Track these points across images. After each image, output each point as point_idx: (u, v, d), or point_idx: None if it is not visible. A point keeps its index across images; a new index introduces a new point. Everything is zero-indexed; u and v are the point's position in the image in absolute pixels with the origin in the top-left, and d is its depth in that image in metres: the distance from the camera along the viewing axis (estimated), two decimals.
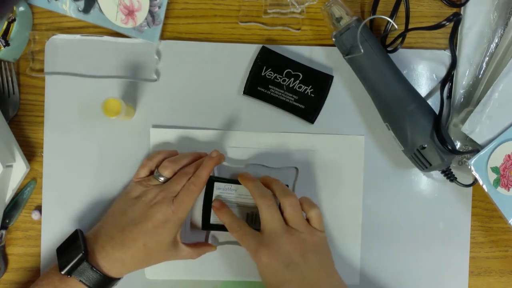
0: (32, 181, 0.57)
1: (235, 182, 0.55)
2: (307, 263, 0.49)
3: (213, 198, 0.55)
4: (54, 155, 0.57)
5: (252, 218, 0.55)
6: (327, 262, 0.51)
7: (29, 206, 0.57)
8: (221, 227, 0.54)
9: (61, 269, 0.49)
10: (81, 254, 0.49)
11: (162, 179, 0.53)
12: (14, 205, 0.57)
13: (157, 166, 0.54)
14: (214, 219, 0.55)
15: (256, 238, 0.50)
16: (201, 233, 0.57)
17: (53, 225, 0.57)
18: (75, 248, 0.50)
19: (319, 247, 0.51)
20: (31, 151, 0.57)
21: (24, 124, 0.57)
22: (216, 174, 0.57)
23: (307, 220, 0.52)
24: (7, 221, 0.57)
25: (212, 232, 0.57)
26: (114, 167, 0.57)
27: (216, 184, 0.55)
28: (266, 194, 0.52)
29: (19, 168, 0.56)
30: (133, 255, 0.50)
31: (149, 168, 0.55)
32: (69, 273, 0.48)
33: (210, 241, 0.57)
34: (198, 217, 0.56)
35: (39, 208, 0.57)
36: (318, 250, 0.50)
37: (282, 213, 0.51)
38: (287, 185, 0.57)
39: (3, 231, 0.56)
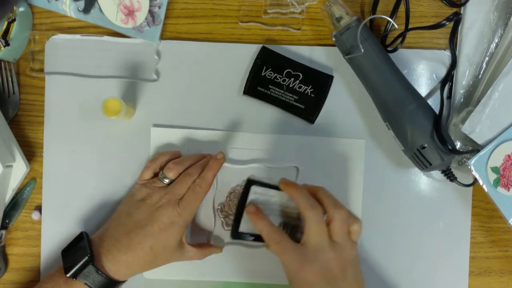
0: (32, 181, 0.57)
1: (275, 187, 0.51)
2: (345, 278, 0.47)
3: (247, 202, 0.50)
4: (54, 155, 0.57)
5: (287, 229, 0.50)
6: (359, 274, 0.50)
7: (29, 206, 0.57)
8: (251, 237, 0.50)
9: (66, 271, 0.48)
10: (87, 257, 0.48)
11: (167, 181, 0.53)
12: (14, 205, 0.57)
13: (161, 168, 0.54)
14: (244, 226, 0.49)
15: (299, 253, 0.47)
16: (203, 236, 0.57)
17: (53, 225, 0.57)
18: (80, 251, 0.50)
19: (354, 260, 0.49)
20: (31, 151, 0.57)
21: (24, 124, 0.57)
22: (254, 177, 0.51)
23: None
24: (7, 221, 0.57)
25: (216, 234, 0.57)
26: (113, 167, 0.57)
27: (253, 188, 0.50)
28: (316, 206, 0.48)
29: (19, 168, 0.56)
30: (140, 258, 0.50)
31: (153, 170, 0.54)
32: (74, 276, 0.48)
33: (215, 242, 0.57)
34: (203, 219, 0.56)
35: (39, 208, 0.57)
36: (354, 263, 0.49)
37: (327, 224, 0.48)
38: None
39: (3, 231, 0.56)
